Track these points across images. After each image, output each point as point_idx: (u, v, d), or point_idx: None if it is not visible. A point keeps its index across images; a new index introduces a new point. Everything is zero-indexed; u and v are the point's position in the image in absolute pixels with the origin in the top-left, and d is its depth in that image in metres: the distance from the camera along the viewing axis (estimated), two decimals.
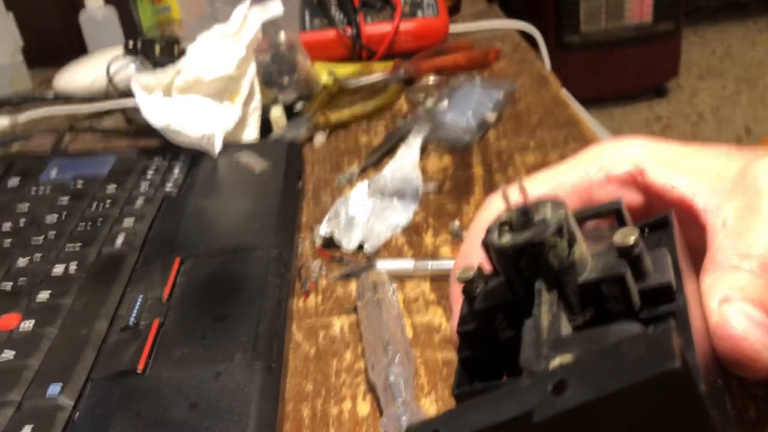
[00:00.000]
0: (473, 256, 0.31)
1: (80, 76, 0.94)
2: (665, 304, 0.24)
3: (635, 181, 0.32)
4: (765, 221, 0.26)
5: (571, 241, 0.24)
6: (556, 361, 0.21)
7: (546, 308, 0.23)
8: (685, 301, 0.24)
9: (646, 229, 0.28)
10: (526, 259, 0.24)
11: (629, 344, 0.19)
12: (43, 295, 0.46)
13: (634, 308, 0.24)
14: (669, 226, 0.27)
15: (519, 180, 0.25)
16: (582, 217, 0.28)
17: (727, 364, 0.25)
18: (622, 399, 0.19)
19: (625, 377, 0.19)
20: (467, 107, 0.72)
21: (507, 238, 0.24)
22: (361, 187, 0.60)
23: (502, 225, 0.25)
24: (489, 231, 0.25)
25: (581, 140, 0.67)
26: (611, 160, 0.32)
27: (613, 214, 0.27)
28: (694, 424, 0.20)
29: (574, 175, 0.33)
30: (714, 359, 0.25)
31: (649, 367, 0.18)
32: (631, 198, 0.32)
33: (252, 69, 0.70)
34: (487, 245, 0.25)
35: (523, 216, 0.24)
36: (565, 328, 0.23)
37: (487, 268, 0.28)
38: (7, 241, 0.52)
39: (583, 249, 0.24)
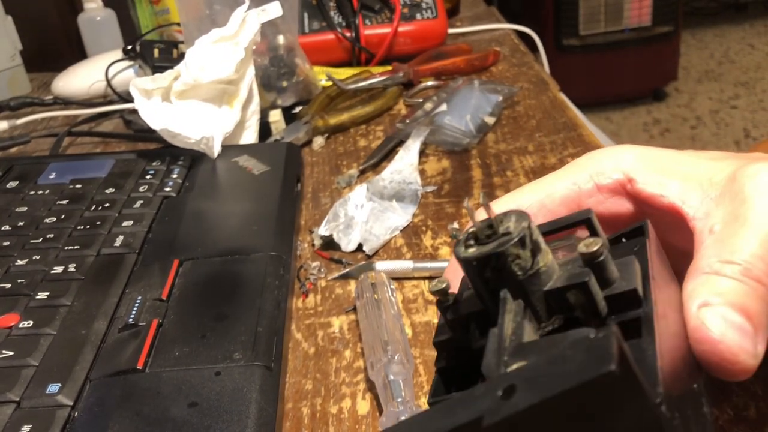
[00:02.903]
0: (459, 270, 0.32)
1: (79, 79, 0.94)
2: (633, 310, 0.24)
3: (624, 189, 0.32)
4: (749, 228, 0.26)
5: (535, 251, 0.25)
6: (513, 367, 0.22)
7: (510, 316, 0.24)
8: (653, 306, 0.24)
9: (623, 239, 0.29)
10: (490, 270, 0.25)
11: (572, 349, 0.20)
12: (42, 296, 0.46)
13: (600, 314, 0.24)
14: (644, 235, 0.27)
15: (483, 198, 0.26)
16: (553, 229, 0.28)
17: (707, 368, 0.25)
18: (566, 402, 0.19)
19: (565, 381, 0.19)
20: (466, 110, 0.72)
21: (472, 250, 0.25)
22: (360, 190, 0.60)
23: (468, 238, 0.26)
24: (456, 243, 0.26)
25: (580, 144, 0.68)
26: (600, 169, 0.32)
27: (585, 224, 0.28)
28: (645, 427, 0.20)
29: (563, 186, 0.33)
30: (692, 363, 0.25)
31: (587, 371, 0.19)
32: (622, 206, 0.32)
33: (251, 72, 0.70)
34: (455, 256, 0.26)
35: (488, 229, 0.25)
36: (528, 336, 0.24)
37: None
38: (6, 243, 0.52)
39: (548, 259, 0.25)
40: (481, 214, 0.26)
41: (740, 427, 0.35)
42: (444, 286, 0.27)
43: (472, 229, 0.26)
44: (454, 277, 0.31)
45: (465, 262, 0.25)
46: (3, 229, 0.54)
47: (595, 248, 0.24)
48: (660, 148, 0.33)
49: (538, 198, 0.33)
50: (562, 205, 0.33)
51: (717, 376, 0.25)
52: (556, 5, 2.73)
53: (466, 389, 0.24)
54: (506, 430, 0.19)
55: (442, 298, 0.28)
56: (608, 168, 0.32)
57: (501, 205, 0.33)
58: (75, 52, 1.06)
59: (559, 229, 0.28)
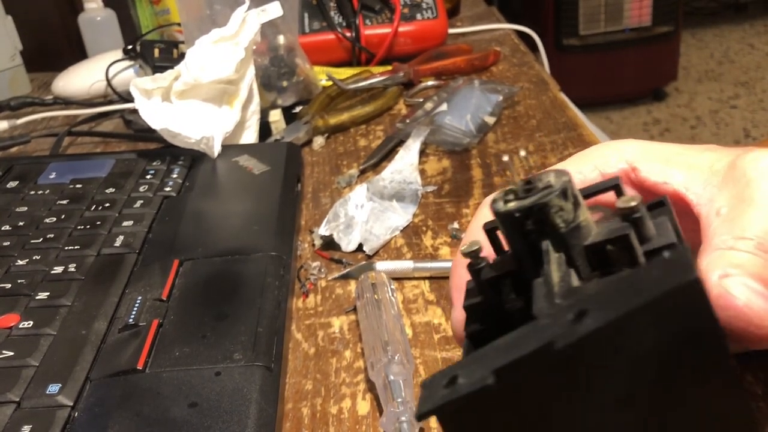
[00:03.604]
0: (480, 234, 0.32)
1: (79, 79, 0.94)
2: None
3: (629, 178, 0.32)
4: (757, 207, 0.28)
5: (576, 204, 0.25)
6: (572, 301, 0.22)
7: (555, 266, 0.24)
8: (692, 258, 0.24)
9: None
10: (532, 222, 0.24)
11: (647, 269, 0.20)
12: (42, 296, 0.46)
13: None
14: (666, 205, 0.28)
15: (511, 171, 0.26)
16: (585, 195, 0.28)
17: (733, 336, 0.26)
18: (643, 318, 0.19)
19: (645, 294, 0.19)
20: (466, 110, 0.72)
21: (512, 204, 0.25)
22: (360, 190, 0.60)
23: (507, 194, 0.25)
24: (495, 201, 0.25)
25: (580, 143, 0.68)
26: (605, 159, 0.33)
27: (614, 189, 0.28)
28: (710, 347, 0.20)
29: None
30: None
31: (669, 281, 0.19)
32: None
33: (251, 72, 0.70)
34: (494, 212, 0.25)
35: (527, 184, 0.25)
36: (575, 282, 0.24)
37: (490, 253, 0.28)
38: (6, 243, 0.52)
39: (587, 214, 0.25)
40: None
41: None
42: (476, 248, 0.27)
43: (509, 187, 0.25)
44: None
45: (505, 216, 0.25)
46: (3, 229, 0.54)
47: (634, 204, 0.24)
48: (660, 142, 0.34)
49: None
50: None
51: (741, 345, 0.26)
52: (556, 5, 2.72)
53: None
54: (579, 354, 0.19)
55: (474, 260, 0.27)
56: (612, 158, 0.33)
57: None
58: (75, 52, 1.06)
59: (589, 195, 0.28)
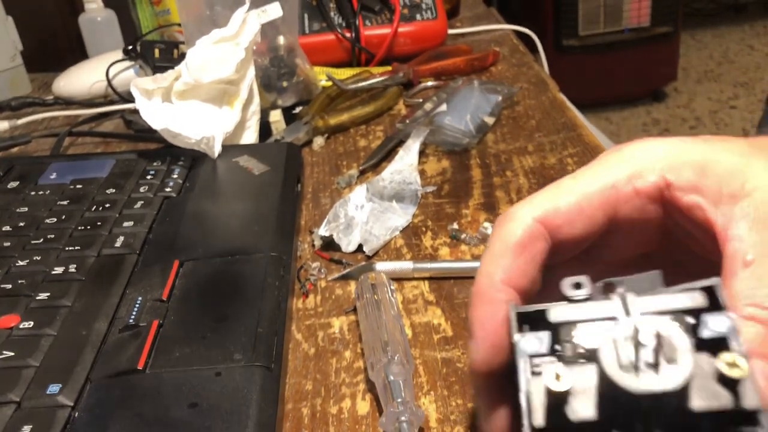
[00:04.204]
0: (491, 295, 0.30)
1: (80, 79, 0.94)
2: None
3: (662, 195, 0.30)
4: None
5: None
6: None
7: None
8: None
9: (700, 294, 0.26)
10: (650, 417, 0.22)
11: None
12: (43, 296, 0.46)
13: None
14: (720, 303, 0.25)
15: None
16: (663, 310, 0.25)
17: None
18: None
19: None
20: (466, 110, 0.72)
21: (645, 382, 0.22)
22: (360, 190, 0.61)
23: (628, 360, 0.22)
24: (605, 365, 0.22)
25: (579, 144, 0.68)
26: (638, 170, 0.30)
27: (706, 292, 0.25)
28: None
29: (600, 187, 0.31)
30: None
31: None
32: (652, 211, 0.31)
33: (251, 72, 0.70)
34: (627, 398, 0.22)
35: (652, 354, 0.22)
36: None
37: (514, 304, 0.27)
38: (6, 243, 0.52)
39: None
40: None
41: None
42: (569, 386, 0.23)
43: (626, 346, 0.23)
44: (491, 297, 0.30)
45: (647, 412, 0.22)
46: (3, 229, 0.54)
47: (741, 374, 0.22)
48: (686, 138, 0.31)
49: (576, 200, 0.31)
50: (600, 209, 0.31)
51: None
52: (556, 6, 2.73)
53: None
54: None
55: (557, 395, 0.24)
56: (646, 169, 0.30)
57: (537, 203, 0.31)
58: (76, 52, 1.06)
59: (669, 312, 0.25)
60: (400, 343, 0.41)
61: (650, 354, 0.22)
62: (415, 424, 0.37)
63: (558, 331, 0.25)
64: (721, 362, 0.22)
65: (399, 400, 0.37)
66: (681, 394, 0.22)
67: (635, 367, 0.22)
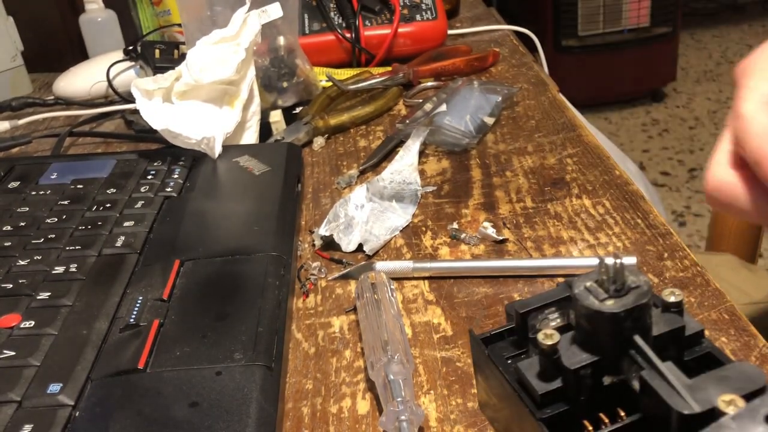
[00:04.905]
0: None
1: (80, 79, 0.94)
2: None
3: None
4: None
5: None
6: (726, 397, 0.25)
7: (656, 360, 0.28)
8: None
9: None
10: (631, 320, 0.29)
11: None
12: (43, 296, 0.46)
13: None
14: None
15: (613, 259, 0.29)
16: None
17: None
18: None
19: None
20: (465, 111, 0.73)
21: (611, 303, 0.29)
22: (360, 190, 0.61)
23: (592, 289, 0.29)
24: (585, 297, 0.29)
25: (579, 144, 0.68)
26: None
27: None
28: None
29: None
30: None
31: None
32: None
33: (251, 73, 0.70)
34: (591, 310, 0.29)
35: (614, 283, 0.29)
36: (686, 379, 0.27)
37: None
38: (7, 243, 0.52)
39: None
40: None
41: None
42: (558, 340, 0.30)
43: (589, 283, 0.30)
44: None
45: (610, 316, 0.28)
46: (4, 229, 0.55)
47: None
48: None
49: None
50: None
51: None
52: (555, 6, 2.73)
53: None
54: None
55: (550, 350, 0.30)
56: None
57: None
58: (76, 52, 1.06)
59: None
60: (400, 342, 0.42)
61: None
62: (415, 424, 0.37)
63: None
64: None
65: (399, 399, 0.37)
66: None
67: None
